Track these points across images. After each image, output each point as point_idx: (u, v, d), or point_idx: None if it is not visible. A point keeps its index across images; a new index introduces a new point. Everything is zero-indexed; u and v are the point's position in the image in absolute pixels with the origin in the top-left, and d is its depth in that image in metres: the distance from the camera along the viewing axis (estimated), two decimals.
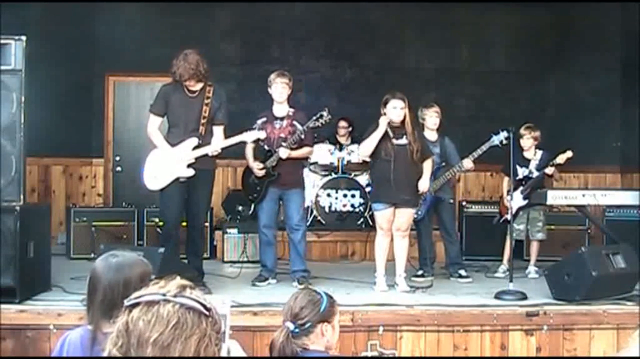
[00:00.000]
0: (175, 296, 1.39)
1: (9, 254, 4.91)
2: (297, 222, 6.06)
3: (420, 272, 6.45)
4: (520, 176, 6.68)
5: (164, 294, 1.39)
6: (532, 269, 6.74)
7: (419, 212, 6.40)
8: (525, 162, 6.68)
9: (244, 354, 2.50)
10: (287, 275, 6.13)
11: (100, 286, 2.45)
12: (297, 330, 2.82)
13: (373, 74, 9.14)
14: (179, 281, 1.45)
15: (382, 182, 5.82)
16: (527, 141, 6.68)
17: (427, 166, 6.04)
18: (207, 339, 1.37)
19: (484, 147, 6.44)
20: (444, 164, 6.53)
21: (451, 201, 6.71)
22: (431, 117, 6.54)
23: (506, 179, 6.85)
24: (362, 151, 6.08)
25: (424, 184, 6.00)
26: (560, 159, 6.51)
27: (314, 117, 6.06)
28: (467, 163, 6.45)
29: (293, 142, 5.99)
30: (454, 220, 6.70)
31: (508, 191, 6.77)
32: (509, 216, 6.55)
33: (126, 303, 1.41)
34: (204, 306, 1.40)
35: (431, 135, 6.55)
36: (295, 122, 6.06)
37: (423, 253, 6.59)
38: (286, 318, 2.87)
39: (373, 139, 5.77)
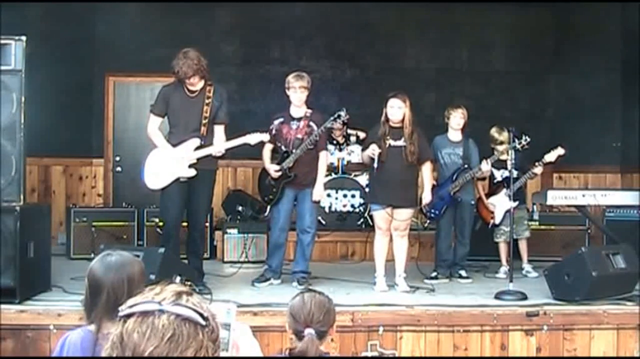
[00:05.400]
0: (171, 304, 1.35)
1: (9, 254, 4.91)
2: (310, 224, 6.00)
3: (434, 274, 6.37)
4: (499, 178, 6.65)
5: (159, 303, 1.35)
6: (528, 267, 6.73)
7: (435, 211, 6.39)
8: (502, 164, 6.55)
9: (254, 340, 2.46)
10: (286, 275, 6.12)
11: (103, 287, 2.45)
12: (316, 335, 2.85)
13: (373, 74, 9.13)
14: (175, 287, 1.41)
15: (378, 183, 5.82)
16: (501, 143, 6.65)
17: (426, 170, 6.00)
18: (204, 351, 1.34)
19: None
20: (466, 166, 6.45)
21: (472, 202, 6.57)
22: (455, 118, 6.46)
23: (479, 182, 6.79)
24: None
25: (426, 197, 5.99)
26: (550, 156, 6.46)
27: (332, 118, 5.98)
28: (484, 166, 6.36)
29: (310, 143, 5.91)
30: (472, 223, 6.56)
31: (486, 194, 6.77)
32: (496, 220, 6.59)
33: (120, 313, 1.37)
34: (201, 314, 1.36)
35: (455, 136, 6.53)
36: (311, 123, 5.98)
37: (440, 255, 6.51)
38: (306, 324, 2.85)
39: (363, 158, 6.09)
